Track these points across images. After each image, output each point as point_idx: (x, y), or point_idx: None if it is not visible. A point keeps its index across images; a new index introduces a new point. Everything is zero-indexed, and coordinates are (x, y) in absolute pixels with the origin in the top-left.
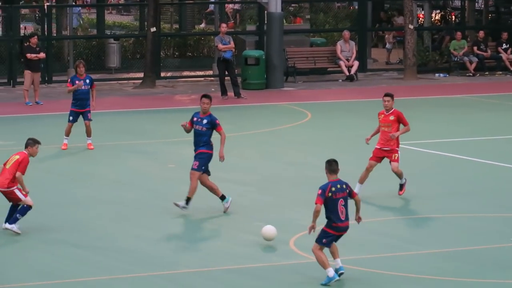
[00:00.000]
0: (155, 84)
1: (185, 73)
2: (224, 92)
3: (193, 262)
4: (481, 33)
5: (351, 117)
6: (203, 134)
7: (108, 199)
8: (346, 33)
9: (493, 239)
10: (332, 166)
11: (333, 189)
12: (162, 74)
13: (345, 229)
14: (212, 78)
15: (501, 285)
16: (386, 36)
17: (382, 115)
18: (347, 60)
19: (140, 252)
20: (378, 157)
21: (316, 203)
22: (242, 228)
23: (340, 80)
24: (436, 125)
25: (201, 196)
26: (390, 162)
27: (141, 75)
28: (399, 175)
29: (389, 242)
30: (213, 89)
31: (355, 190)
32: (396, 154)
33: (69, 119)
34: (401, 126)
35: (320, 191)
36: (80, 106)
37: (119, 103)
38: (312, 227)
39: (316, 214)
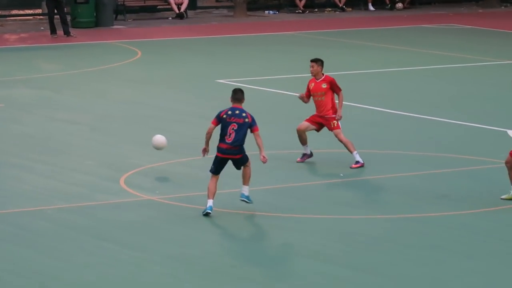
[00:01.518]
0: None
1: (14, 11)
2: (53, 31)
3: (24, 201)
4: None
5: (182, 54)
6: None
7: None
8: None
9: (324, 175)
10: (236, 94)
11: (229, 112)
12: None
13: (224, 151)
14: (41, 17)
15: (334, 221)
16: None
17: (313, 83)
18: None
19: None
20: (314, 121)
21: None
22: (74, 167)
23: (170, 18)
24: (266, 62)
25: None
26: (332, 130)
27: None
28: (347, 145)
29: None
30: (42, 28)
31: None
32: (335, 122)
33: None
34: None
35: (217, 113)
36: None
37: None
38: (204, 150)
39: (207, 135)
